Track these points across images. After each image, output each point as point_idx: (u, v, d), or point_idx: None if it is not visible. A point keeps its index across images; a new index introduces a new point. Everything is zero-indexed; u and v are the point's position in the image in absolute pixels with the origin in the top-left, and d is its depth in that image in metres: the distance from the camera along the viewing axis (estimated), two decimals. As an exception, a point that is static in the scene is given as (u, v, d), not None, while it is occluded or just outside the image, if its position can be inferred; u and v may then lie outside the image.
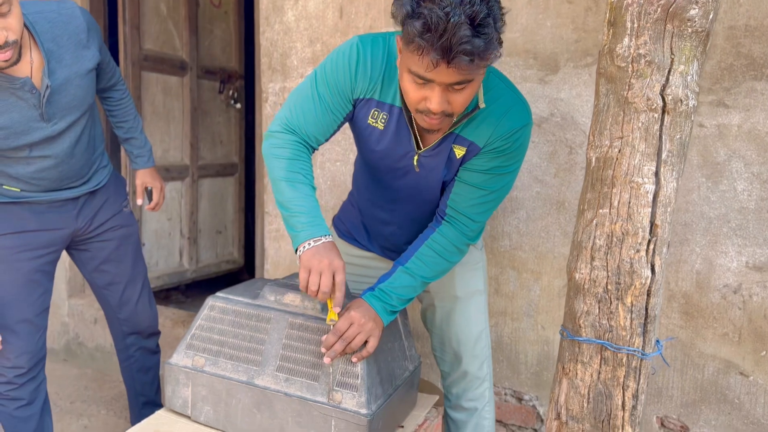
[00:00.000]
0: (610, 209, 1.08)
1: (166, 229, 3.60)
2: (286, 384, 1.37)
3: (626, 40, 1.05)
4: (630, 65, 1.05)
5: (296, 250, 1.34)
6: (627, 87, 1.05)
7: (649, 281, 1.07)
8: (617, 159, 1.07)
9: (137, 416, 2.20)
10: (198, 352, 1.47)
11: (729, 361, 1.83)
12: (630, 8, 1.04)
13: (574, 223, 1.98)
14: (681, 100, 1.04)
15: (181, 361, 1.47)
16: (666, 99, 1.03)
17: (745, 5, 1.70)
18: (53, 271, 1.93)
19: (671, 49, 1.03)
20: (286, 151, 1.41)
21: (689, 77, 1.04)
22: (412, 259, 1.46)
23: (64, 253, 2.06)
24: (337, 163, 2.33)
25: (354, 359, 1.33)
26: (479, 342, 1.70)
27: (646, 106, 1.04)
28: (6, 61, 1.53)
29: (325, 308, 1.40)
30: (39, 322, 1.86)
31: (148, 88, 3.37)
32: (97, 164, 1.95)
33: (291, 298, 1.45)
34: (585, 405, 1.14)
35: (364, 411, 1.30)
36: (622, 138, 1.06)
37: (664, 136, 1.04)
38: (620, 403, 1.11)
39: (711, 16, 1.02)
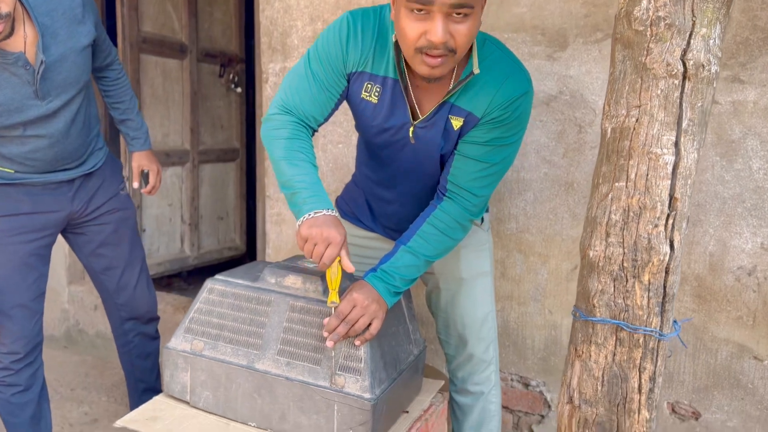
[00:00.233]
0: (626, 182, 1.03)
1: (167, 214, 3.56)
2: (288, 368, 1.33)
3: (644, 2, 0.99)
4: (648, 29, 0.99)
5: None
6: (645, 52, 0.99)
7: (667, 258, 1.02)
8: (634, 129, 1.01)
9: (137, 403, 2.15)
10: (197, 335, 1.43)
11: (742, 345, 1.78)
12: (648, -32, 0.98)
13: (584, 204, 1.93)
14: (703, 66, 0.98)
15: (179, 345, 1.44)
16: (687, 64, 0.98)
17: (762, -25, 1.64)
18: (48, 255, 1.89)
19: (692, 10, 0.97)
20: (285, 132, 1.39)
21: (711, 41, 0.98)
22: (414, 238, 1.42)
23: (63, 240, 2.02)
24: (339, 145, 2.28)
25: (357, 342, 1.30)
26: (485, 324, 1.66)
27: (666, 72, 0.98)
28: None
29: (326, 290, 1.36)
30: (35, 306, 1.83)
31: (147, 72, 3.32)
32: (92, 146, 1.91)
33: (292, 281, 1.42)
34: (599, 388, 1.09)
35: (367, 395, 1.26)
36: (639, 107, 1.00)
37: (684, 104, 0.99)
38: (636, 385, 1.06)
39: (735, -24, 0.96)
